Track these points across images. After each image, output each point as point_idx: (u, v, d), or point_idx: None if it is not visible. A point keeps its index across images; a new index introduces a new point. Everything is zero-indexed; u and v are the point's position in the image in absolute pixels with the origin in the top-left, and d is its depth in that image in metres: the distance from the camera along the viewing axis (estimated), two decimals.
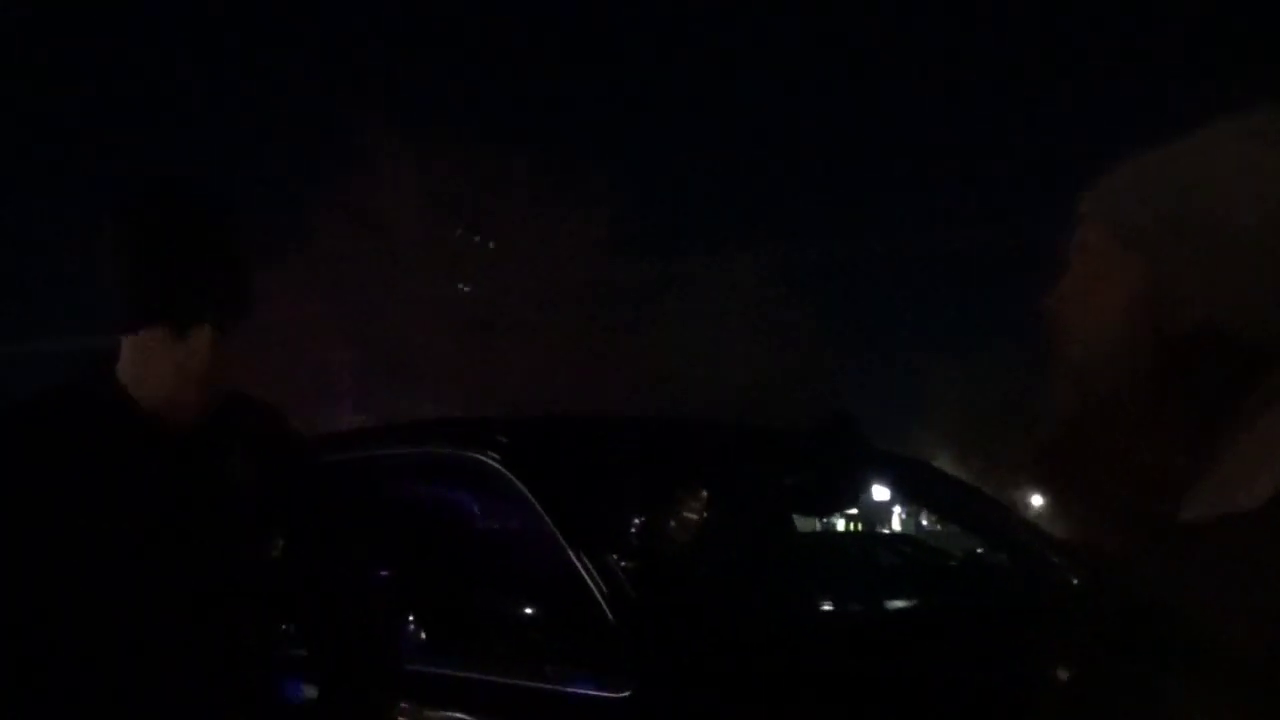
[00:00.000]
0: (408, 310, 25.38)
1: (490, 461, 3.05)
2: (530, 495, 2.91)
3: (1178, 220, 1.03)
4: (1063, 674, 1.10)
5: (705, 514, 2.76)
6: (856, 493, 3.81)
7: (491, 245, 26.42)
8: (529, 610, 2.90)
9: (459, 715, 2.88)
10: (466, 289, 26.37)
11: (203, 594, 1.91)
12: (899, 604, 4.05)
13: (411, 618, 3.03)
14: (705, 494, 2.77)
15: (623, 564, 2.71)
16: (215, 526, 1.93)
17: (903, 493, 4.48)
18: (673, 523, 2.75)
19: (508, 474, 2.99)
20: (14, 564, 1.83)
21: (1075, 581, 3.68)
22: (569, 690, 2.64)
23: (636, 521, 2.75)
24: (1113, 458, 1.04)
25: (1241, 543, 0.95)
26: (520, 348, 25.13)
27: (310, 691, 2.98)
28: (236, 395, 2.10)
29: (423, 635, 3.04)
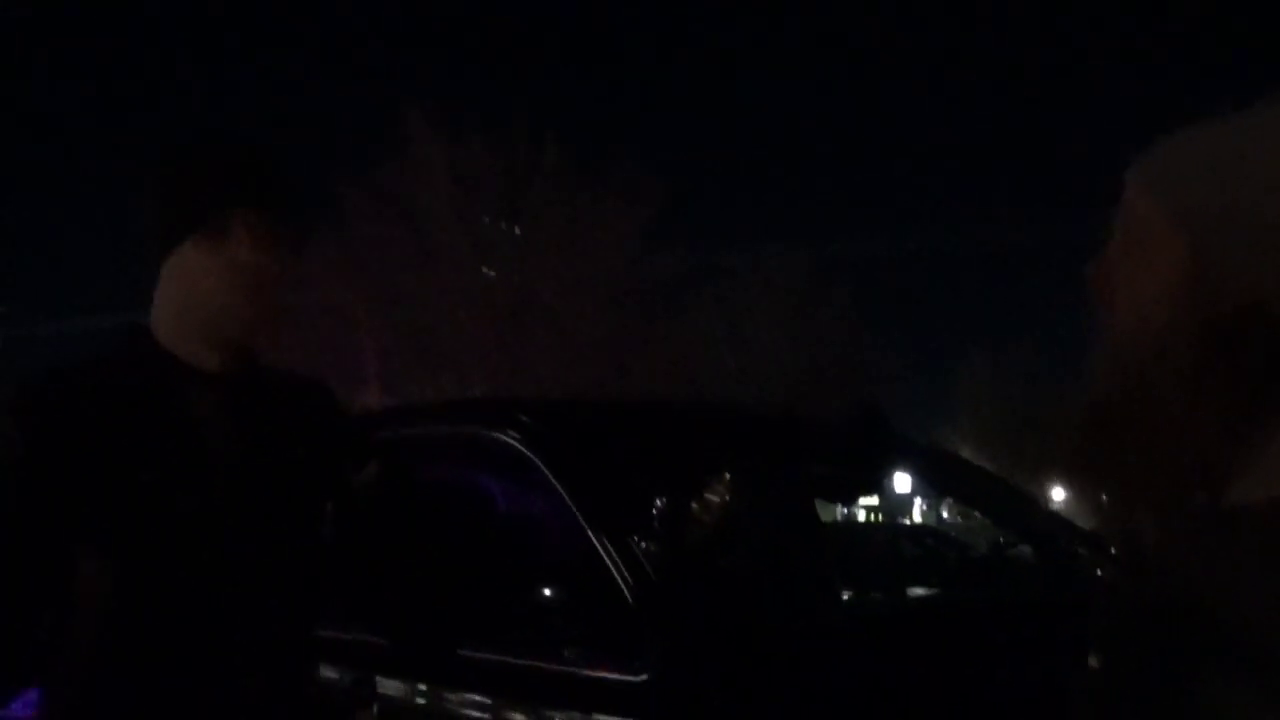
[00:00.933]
0: (436, 295, 25.41)
1: (512, 441, 3.03)
2: (552, 476, 2.89)
3: (1227, 198, 1.00)
4: (1089, 668, 1.06)
5: (729, 499, 2.72)
6: (881, 480, 3.79)
7: (517, 230, 26.38)
8: (549, 592, 2.88)
9: (476, 696, 2.86)
10: (492, 274, 26.36)
11: (252, 554, 1.88)
12: (921, 595, 4.02)
13: (430, 598, 3.01)
14: (729, 479, 2.74)
15: (644, 547, 2.68)
16: (262, 488, 1.91)
17: (927, 482, 4.44)
18: (695, 507, 2.72)
19: (529, 454, 2.97)
20: (61, 521, 1.80)
21: (1100, 574, 3.64)
22: (587, 673, 2.62)
23: (658, 505, 2.72)
24: (1152, 439, 1.00)
25: (1249, 540, 0.91)
26: (549, 335, 25.14)
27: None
28: (283, 368, 2.10)
29: (441, 616, 3.03)
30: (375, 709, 2.93)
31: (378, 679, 2.97)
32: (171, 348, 1.93)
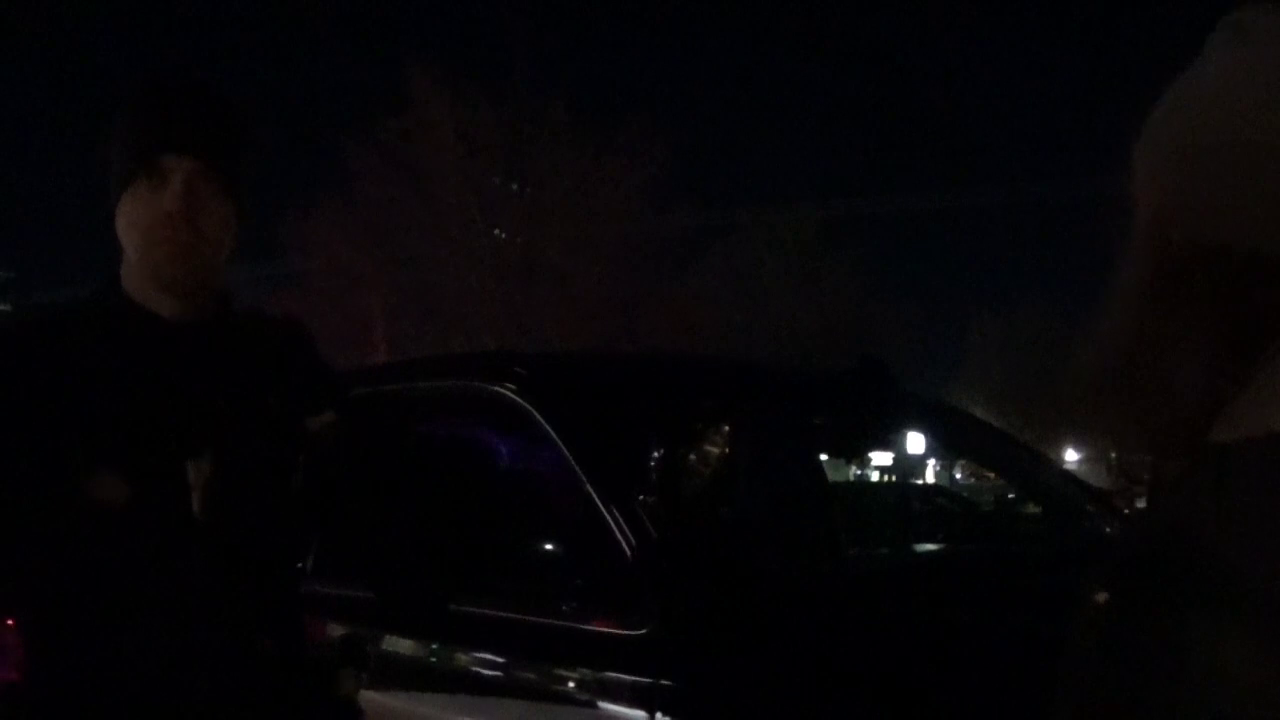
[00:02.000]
0: (444, 257, 25.39)
1: (508, 393, 2.98)
2: (549, 428, 2.85)
3: (1181, 140, 1.02)
4: (1095, 603, 1.04)
5: (729, 451, 2.67)
6: (886, 434, 3.74)
7: (523, 190, 26.25)
8: (547, 546, 2.84)
9: (474, 652, 2.83)
10: (503, 235, 26.30)
11: (222, 504, 1.84)
12: (927, 550, 3.97)
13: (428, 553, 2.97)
14: (729, 431, 2.69)
15: (642, 500, 2.64)
16: (227, 436, 1.86)
17: (933, 435, 4.38)
18: (695, 459, 2.67)
19: (526, 406, 2.92)
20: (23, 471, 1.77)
21: (1109, 530, 3.60)
22: (586, 627, 2.59)
23: (658, 457, 2.67)
24: (1154, 381, 1.00)
25: (1270, 465, 0.90)
26: (557, 296, 25.12)
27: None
28: (254, 310, 2.05)
29: (439, 571, 2.99)
30: (367, 665, 2.89)
31: (369, 634, 2.94)
32: (134, 295, 1.89)
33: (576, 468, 2.73)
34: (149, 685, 1.79)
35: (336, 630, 2.92)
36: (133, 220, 1.85)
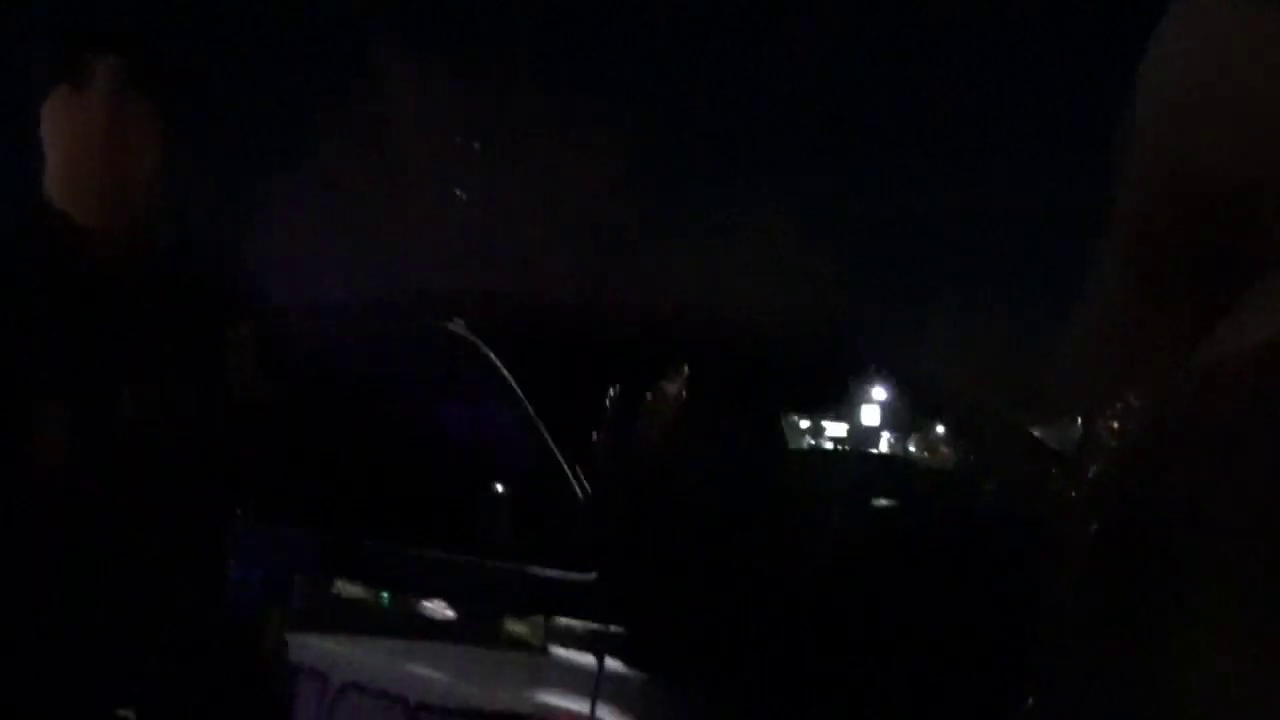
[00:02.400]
0: (406, 219, 25.18)
1: (460, 331, 2.91)
2: (502, 368, 2.79)
3: (1161, 91, 1.01)
4: (1052, 587, 0.99)
5: (684, 400, 2.63)
6: (847, 391, 3.72)
7: (489, 156, 26.02)
8: (498, 488, 2.79)
9: (424, 596, 2.78)
10: (464, 196, 26.08)
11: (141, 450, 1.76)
12: (877, 508, 3.95)
13: (378, 497, 2.92)
14: (685, 377, 2.64)
15: (596, 444, 2.58)
16: (140, 383, 1.78)
17: (895, 393, 4.36)
18: (650, 406, 2.62)
19: (479, 345, 2.85)
20: None
21: (1074, 494, 3.57)
22: (535, 571, 2.54)
23: (612, 402, 2.61)
24: (1155, 340, 0.99)
25: (1222, 394, 0.87)
26: (522, 269, 24.95)
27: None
28: (188, 260, 1.97)
29: (390, 514, 2.93)
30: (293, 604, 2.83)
31: (307, 577, 2.89)
32: (61, 212, 1.80)
33: (529, 410, 2.68)
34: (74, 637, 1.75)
35: (267, 573, 2.85)
36: (58, 134, 1.77)
